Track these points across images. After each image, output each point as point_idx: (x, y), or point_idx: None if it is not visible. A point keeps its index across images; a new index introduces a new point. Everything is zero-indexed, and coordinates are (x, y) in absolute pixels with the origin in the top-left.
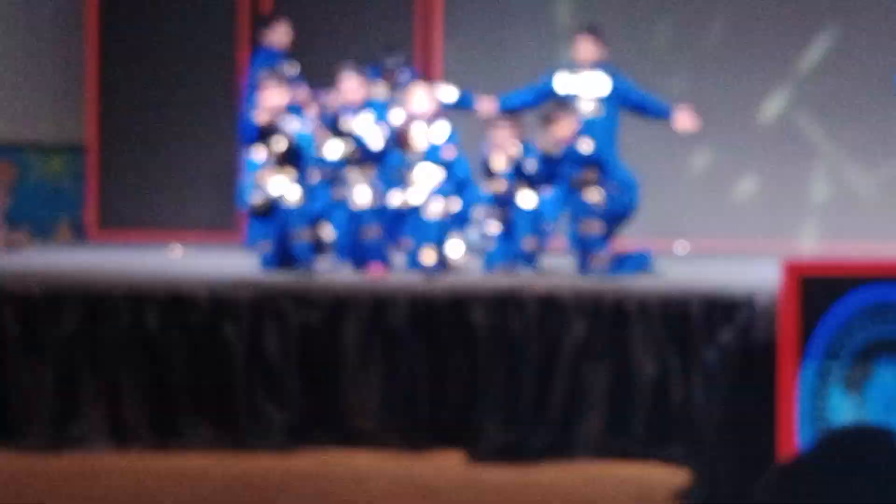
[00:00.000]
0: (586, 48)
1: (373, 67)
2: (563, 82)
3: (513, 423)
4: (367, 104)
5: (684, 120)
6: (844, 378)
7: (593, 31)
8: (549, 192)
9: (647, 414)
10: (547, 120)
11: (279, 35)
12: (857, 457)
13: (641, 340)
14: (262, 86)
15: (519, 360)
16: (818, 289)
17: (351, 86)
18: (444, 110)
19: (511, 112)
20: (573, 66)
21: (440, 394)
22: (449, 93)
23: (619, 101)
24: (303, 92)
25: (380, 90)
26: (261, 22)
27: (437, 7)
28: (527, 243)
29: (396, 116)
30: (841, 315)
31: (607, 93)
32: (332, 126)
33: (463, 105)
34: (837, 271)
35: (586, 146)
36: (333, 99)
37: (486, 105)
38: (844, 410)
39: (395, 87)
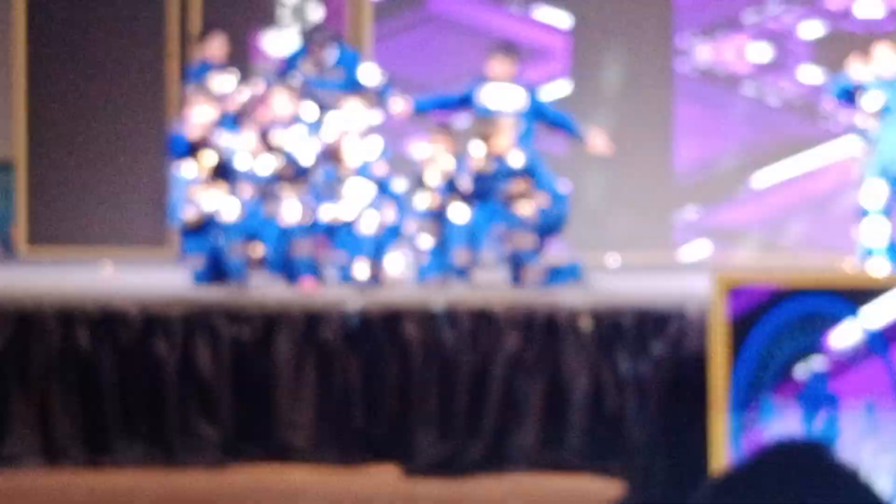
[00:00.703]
0: (502, 66)
1: (300, 47)
2: (483, 95)
3: (447, 436)
4: (299, 118)
5: (598, 143)
6: (774, 388)
7: (508, 48)
8: (482, 205)
9: (580, 426)
10: (481, 134)
11: (214, 48)
12: (792, 470)
13: (574, 353)
14: (192, 100)
15: (452, 374)
16: (748, 300)
17: (281, 101)
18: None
19: (423, 114)
20: (493, 80)
21: (374, 408)
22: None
23: (535, 118)
24: (240, 102)
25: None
26: (191, 35)
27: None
28: (459, 257)
29: (328, 131)
30: (771, 325)
31: (524, 108)
32: (263, 141)
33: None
34: (767, 283)
35: (517, 159)
36: (263, 114)
37: (401, 106)
38: (774, 421)
39: (321, 65)
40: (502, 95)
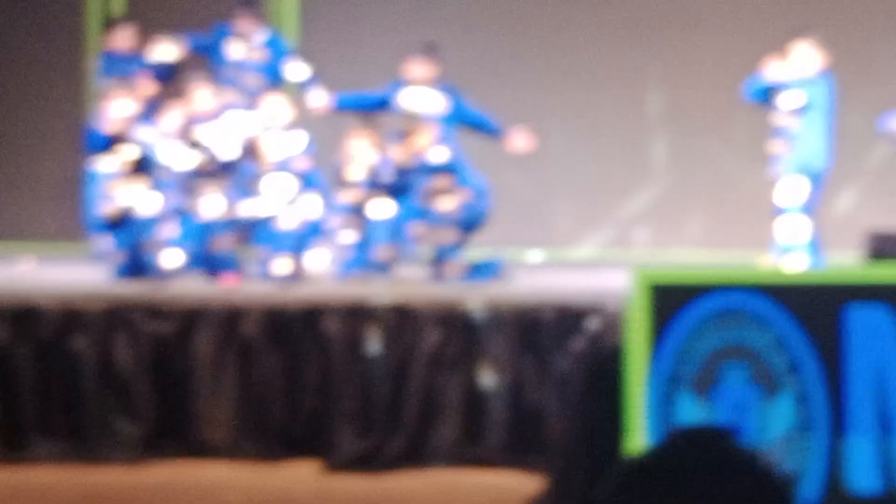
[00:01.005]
0: (422, 68)
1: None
2: (403, 97)
3: (367, 432)
4: (220, 113)
5: (518, 141)
6: (692, 383)
7: (429, 50)
8: (404, 201)
9: (500, 421)
10: (404, 131)
11: (124, 39)
12: (698, 455)
13: (494, 349)
14: (111, 94)
15: (373, 370)
16: (667, 295)
17: (203, 95)
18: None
19: (343, 111)
20: (412, 83)
21: (294, 404)
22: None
23: (455, 120)
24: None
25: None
26: (110, 26)
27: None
28: (381, 252)
29: (250, 126)
30: (689, 322)
31: (443, 111)
32: (183, 136)
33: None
34: (686, 278)
35: (439, 156)
36: (186, 108)
37: (322, 100)
38: (692, 415)
39: (248, 44)
40: (421, 99)
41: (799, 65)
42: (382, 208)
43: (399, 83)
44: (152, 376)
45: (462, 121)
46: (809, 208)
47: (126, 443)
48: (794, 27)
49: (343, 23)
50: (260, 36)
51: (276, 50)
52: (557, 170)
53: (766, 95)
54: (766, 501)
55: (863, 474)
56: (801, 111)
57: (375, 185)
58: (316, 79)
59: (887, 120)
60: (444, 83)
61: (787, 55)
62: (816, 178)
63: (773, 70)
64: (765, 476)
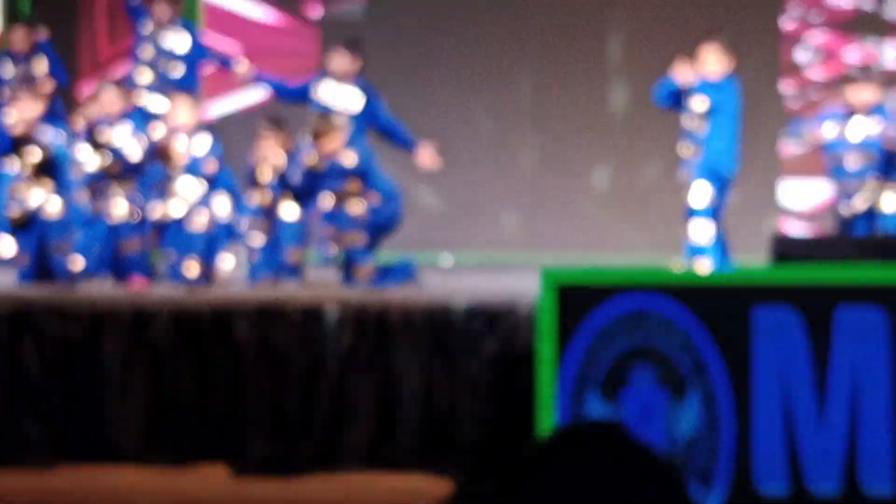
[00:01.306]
0: (342, 61)
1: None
2: (322, 90)
3: (278, 435)
4: (127, 115)
5: (426, 156)
6: (601, 386)
7: (351, 44)
8: (313, 203)
9: (412, 424)
10: (315, 133)
11: (23, 39)
12: (589, 449)
13: (406, 351)
14: (14, 96)
15: (283, 373)
16: (575, 297)
17: (109, 97)
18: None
19: (263, 84)
20: (332, 76)
21: (204, 407)
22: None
23: (368, 121)
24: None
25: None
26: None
27: None
28: (291, 255)
29: (157, 129)
30: (598, 323)
31: (358, 110)
32: (89, 138)
33: (222, 64)
34: (594, 280)
35: (350, 159)
36: (92, 110)
37: (244, 68)
38: (602, 416)
39: (161, 24)
40: (339, 93)
41: (707, 68)
42: (292, 210)
43: (320, 75)
44: (60, 380)
45: (376, 124)
46: (716, 211)
47: (33, 446)
48: (702, 31)
49: None
50: (175, 15)
51: (193, 31)
52: (467, 175)
53: (675, 98)
54: (661, 492)
55: (769, 474)
56: (708, 115)
57: (285, 187)
58: (230, 57)
59: (796, 124)
60: (363, 81)
61: (695, 58)
62: (723, 182)
63: (682, 72)
64: (660, 470)
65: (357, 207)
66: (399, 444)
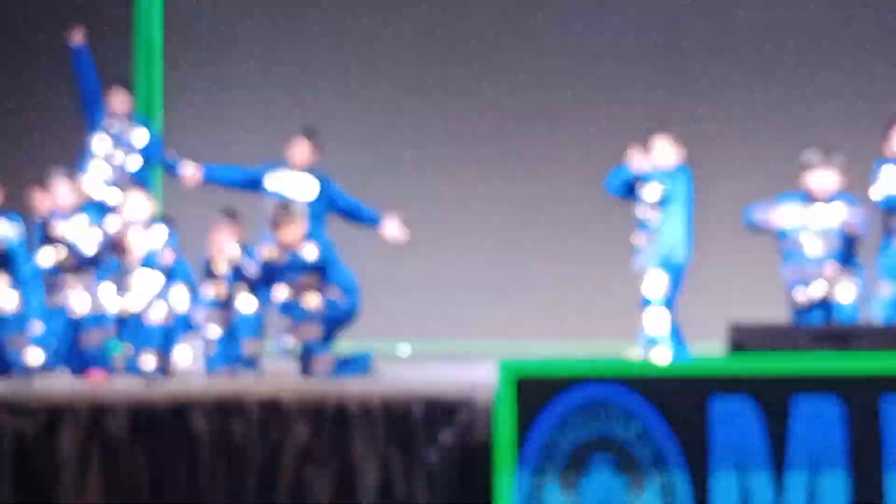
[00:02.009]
0: (301, 151)
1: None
2: (273, 179)
3: None
4: (82, 208)
5: (393, 229)
6: (560, 476)
7: (310, 133)
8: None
9: None
10: (275, 223)
11: None
12: None
13: (364, 443)
14: None
15: (241, 466)
16: (534, 389)
17: (62, 191)
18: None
19: (213, 183)
20: (286, 165)
21: (161, 502)
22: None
23: (327, 206)
24: None
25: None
26: None
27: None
28: (248, 347)
29: (112, 222)
30: (556, 414)
31: (314, 197)
32: (42, 232)
33: (168, 168)
34: (552, 372)
35: (310, 252)
36: (43, 204)
37: (190, 171)
38: None
39: (117, 117)
40: (294, 182)
41: (660, 158)
42: (248, 302)
43: (273, 164)
44: (15, 475)
45: (336, 208)
46: (670, 301)
47: None
48: (656, 122)
49: (209, 107)
50: (130, 110)
51: (149, 129)
52: (426, 262)
53: (629, 187)
54: None
55: None
56: (662, 204)
57: (240, 278)
58: (175, 160)
59: (750, 212)
60: (316, 169)
61: (649, 149)
62: (677, 271)
63: (635, 162)
64: None
65: (314, 301)
66: None
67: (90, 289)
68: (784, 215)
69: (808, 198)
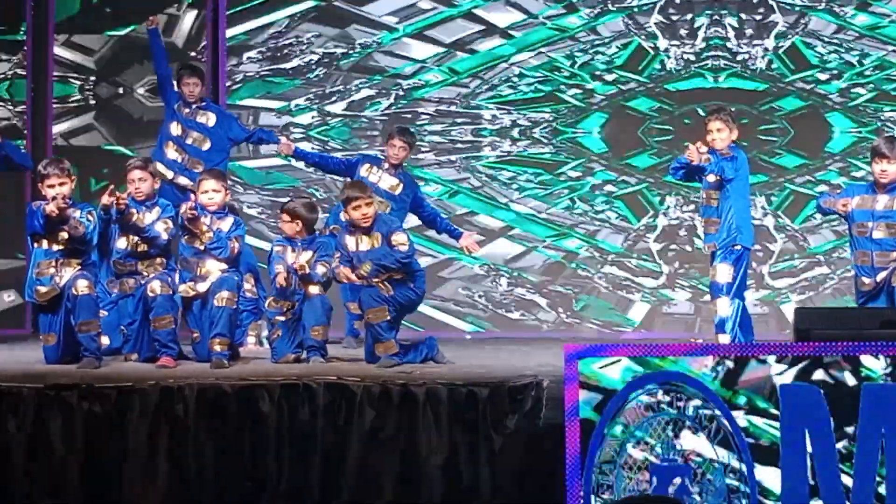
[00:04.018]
0: (395, 148)
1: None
2: (366, 170)
3: None
4: (155, 195)
5: (470, 243)
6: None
7: (405, 133)
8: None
9: (436, 500)
10: (346, 199)
11: None
12: None
13: (430, 426)
14: (48, 176)
15: (308, 449)
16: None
17: (137, 176)
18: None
19: (302, 159)
20: (383, 160)
21: (229, 484)
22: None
23: (412, 207)
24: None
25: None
26: None
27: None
28: (315, 333)
29: (185, 208)
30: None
31: (402, 194)
32: (118, 217)
33: (261, 140)
34: (612, 353)
35: (403, 244)
36: (117, 191)
37: (286, 141)
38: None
39: (192, 102)
40: (383, 177)
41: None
42: (314, 288)
43: (366, 158)
44: (85, 457)
45: (420, 212)
46: (738, 286)
47: None
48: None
49: None
50: (202, 95)
51: (220, 115)
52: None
53: (691, 172)
54: None
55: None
56: (720, 187)
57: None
58: (269, 131)
59: (823, 197)
60: (405, 172)
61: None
62: (742, 255)
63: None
64: None
65: (384, 287)
66: None
67: (161, 276)
68: (850, 202)
69: (873, 186)
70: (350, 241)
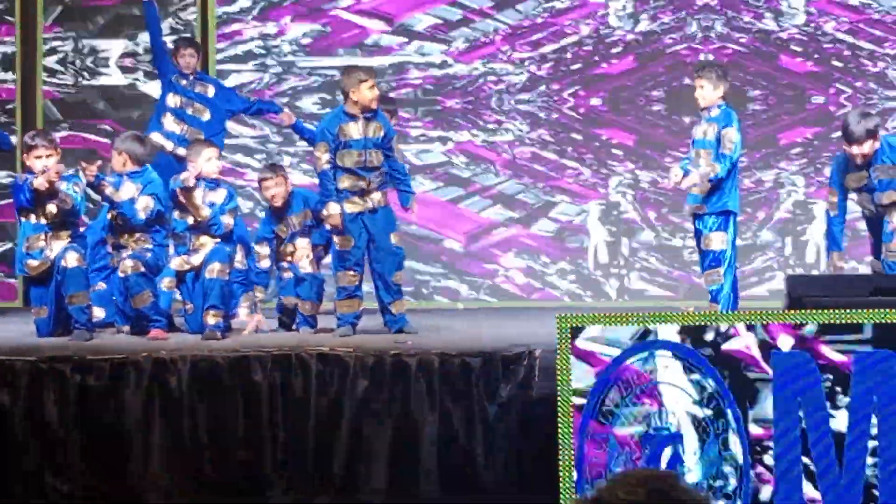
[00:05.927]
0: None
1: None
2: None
3: (297, 481)
4: (143, 168)
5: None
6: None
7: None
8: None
9: (431, 470)
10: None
11: None
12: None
13: (423, 396)
14: (35, 147)
15: (302, 419)
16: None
17: (130, 149)
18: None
19: (300, 133)
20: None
21: (224, 455)
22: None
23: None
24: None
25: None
26: None
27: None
28: (306, 307)
29: (177, 180)
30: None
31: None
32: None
33: (263, 111)
34: (607, 320)
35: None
36: (106, 165)
37: (287, 119)
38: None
39: (188, 74)
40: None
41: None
42: (305, 263)
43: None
44: (80, 430)
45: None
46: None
47: (54, 498)
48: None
49: None
50: (196, 67)
51: (217, 85)
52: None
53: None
54: None
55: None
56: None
57: (292, 239)
58: (268, 103)
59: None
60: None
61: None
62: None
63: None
64: None
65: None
66: (418, 490)
67: (134, 255)
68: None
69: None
70: (353, 129)
